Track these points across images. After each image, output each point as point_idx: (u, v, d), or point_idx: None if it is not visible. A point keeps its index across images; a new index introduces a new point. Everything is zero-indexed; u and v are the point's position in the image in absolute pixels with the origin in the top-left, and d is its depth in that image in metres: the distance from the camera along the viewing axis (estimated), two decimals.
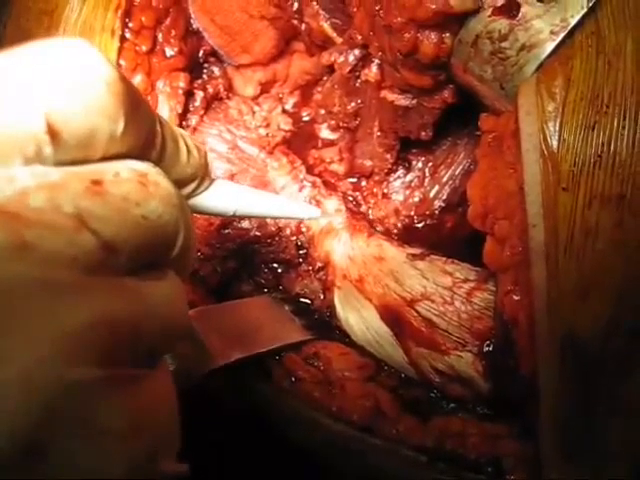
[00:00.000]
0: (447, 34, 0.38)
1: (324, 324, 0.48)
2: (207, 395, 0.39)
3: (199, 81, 0.54)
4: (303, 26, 0.53)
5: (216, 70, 0.55)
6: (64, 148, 0.19)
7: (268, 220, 0.50)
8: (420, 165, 0.53)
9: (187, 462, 0.22)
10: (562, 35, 0.33)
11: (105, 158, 0.21)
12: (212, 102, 0.55)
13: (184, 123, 0.53)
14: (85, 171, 0.20)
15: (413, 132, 0.48)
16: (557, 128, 0.33)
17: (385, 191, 0.53)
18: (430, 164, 0.52)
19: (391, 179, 0.53)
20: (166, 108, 0.50)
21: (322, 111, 0.54)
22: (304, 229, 0.50)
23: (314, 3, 0.50)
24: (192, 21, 0.53)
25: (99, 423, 0.18)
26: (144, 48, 0.48)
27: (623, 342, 0.32)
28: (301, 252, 0.50)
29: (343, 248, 0.49)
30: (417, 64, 0.40)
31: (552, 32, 0.34)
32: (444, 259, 0.45)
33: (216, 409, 0.41)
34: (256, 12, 0.53)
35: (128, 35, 0.47)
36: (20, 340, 0.16)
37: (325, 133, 0.54)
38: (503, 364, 0.39)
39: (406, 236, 0.51)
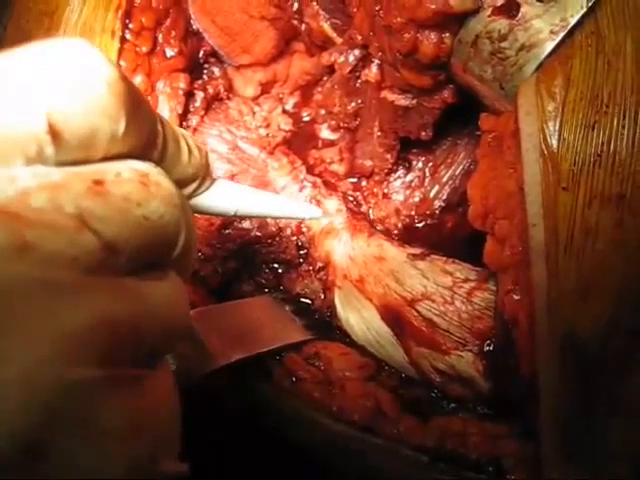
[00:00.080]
0: (447, 34, 0.38)
1: (325, 324, 0.48)
2: (207, 395, 0.39)
3: (199, 82, 0.54)
4: (303, 26, 0.53)
5: (216, 71, 0.55)
6: (65, 148, 0.19)
7: (269, 220, 0.50)
8: (420, 165, 0.53)
9: (187, 462, 0.22)
10: (562, 35, 0.33)
11: (106, 158, 0.21)
12: (212, 103, 0.55)
13: (184, 124, 0.53)
14: (86, 171, 0.20)
15: (413, 132, 0.48)
16: (557, 128, 0.33)
17: (385, 191, 0.53)
18: (430, 164, 0.52)
19: (391, 179, 0.53)
20: (166, 109, 0.50)
21: (322, 111, 0.54)
22: (304, 229, 0.50)
23: (314, 3, 0.50)
24: (192, 22, 0.53)
25: (99, 423, 0.18)
26: (144, 49, 0.48)
27: (623, 342, 0.32)
28: (302, 252, 0.50)
29: (344, 248, 0.49)
30: (417, 64, 0.40)
31: (552, 32, 0.34)
32: (444, 259, 0.45)
33: (216, 409, 0.41)
34: (256, 13, 0.53)
35: (128, 36, 0.47)
36: (20, 340, 0.16)
37: (325, 133, 0.55)
38: (503, 364, 0.39)
39: (406, 236, 0.51)
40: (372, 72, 0.46)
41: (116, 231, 0.19)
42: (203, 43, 0.54)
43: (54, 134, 0.19)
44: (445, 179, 0.52)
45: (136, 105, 0.21)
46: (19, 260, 0.17)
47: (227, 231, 0.50)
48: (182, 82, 0.51)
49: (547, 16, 0.34)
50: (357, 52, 0.47)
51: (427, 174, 0.52)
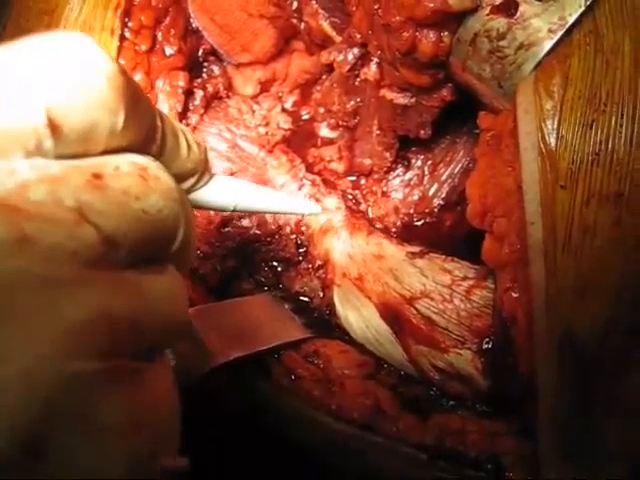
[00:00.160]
0: (445, 33, 0.38)
1: (324, 322, 0.48)
2: (207, 393, 0.39)
3: (199, 80, 0.54)
4: (302, 25, 0.53)
5: (216, 69, 0.55)
6: (65, 142, 0.19)
7: (268, 218, 0.50)
8: (419, 163, 0.53)
9: (187, 458, 0.21)
10: (560, 33, 0.33)
11: (106, 152, 0.21)
12: (212, 101, 0.55)
13: (184, 122, 0.53)
14: (86, 165, 0.20)
15: (412, 130, 0.48)
16: (555, 126, 0.33)
17: (384, 189, 0.53)
18: (429, 162, 0.53)
19: (390, 177, 0.53)
20: (166, 107, 0.50)
21: (321, 110, 0.54)
22: (304, 227, 0.50)
23: (313, 2, 0.50)
24: (191, 20, 0.53)
25: (99, 419, 0.18)
26: (144, 47, 0.48)
27: (621, 340, 0.32)
28: (301, 250, 0.50)
29: (343, 246, 0.49)
30: (416, 63, 0.40)
31: (550, 30, 0.34)
32: (443, 257, 0.45)
33: (216, 407, 0.41)
34: (255, 11, 0.53)
35: (127, 34, 0.47)
36: (20, 335, 0.16)
37: (324, 132, 0.55)
38: (502, 362, 0.39)
39: (405, 234, 0.51)
40: (371, 71, 0.46)
41: (115, 225, 0.19)
42: (202, 41, 0.54)
43: (53, 128, 0.19)
44: (444, 177, 0.52)
45: (135, 99, 0.21)
46: (18, 253, 0.17)
47: (226, 229, 0.50)
48: (181, 80, 0.51)
49: (546, 15, 0.34)
50: (356, 51, 0.47)
51: (426, 172, 0.53)
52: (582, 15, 0.33)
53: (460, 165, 0.52)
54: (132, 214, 0.20)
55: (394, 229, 0.52)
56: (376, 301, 0.45)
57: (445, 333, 0.42)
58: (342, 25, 0.49)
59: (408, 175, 0.53)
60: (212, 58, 0.56)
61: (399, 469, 0.38)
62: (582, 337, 0.32)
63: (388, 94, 0.46)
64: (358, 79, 0.49)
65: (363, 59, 0.47)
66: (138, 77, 0.48)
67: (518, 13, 0.35)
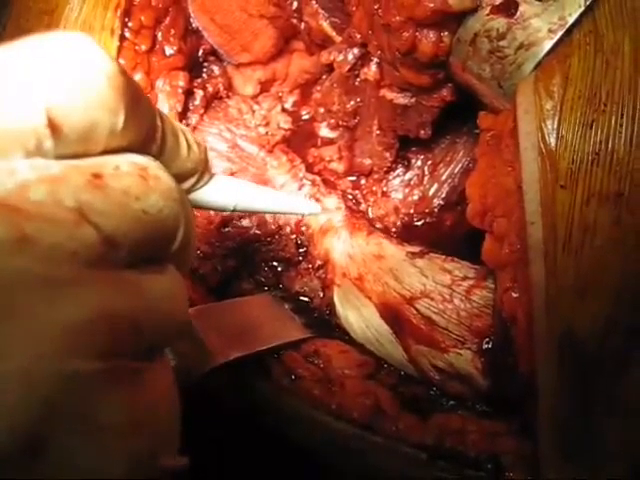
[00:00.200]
0: (445, 33, 0.38)
1: (324, 322, 0.48)
2: (207, 393, 0.39)
3: (199, 80, 0.54)
4: (302, 25, 0.53)
5: (216, 69, 0.55)
6: (65, 142, 0.19)
7: (268, 218, 0.50)
8: (419, 163, 0.53)
9: (187, 459, 0.21)
10: (560, 33, 0.33)
11: (106, 152, 0.21)
12: (212, 101, 0.55)
13: (184, 122, 0.53)
14: (85, 164, 0.20)
15: (412, 130, 0.48)
16: (555, 126, 0.33)
17: (384, 189, 0.53)
18: (429, 162, 0.53)
19: (390, 177, 0.53)
20: (166, 107, 0.50)
21: (321, 110, 0.54)
22: (304, 227, 0.50)
23: (313, 2, 0.50)
24: (191, 20, 0.53)
25: (99, 419, 0.18)
26: (143, 47, 0.48)
27: (621, 340, 0.32)
28: (301, 250, 0.50)
29: (343, 246, 0.49)
30: (416, 63, 0.40)
31: (550, 30, 0.34)
32: (443, 257, 0.45)
33: (216, 407, 0.41)
34: (255, 11, 0.53)
35: (127, 34, 0.47)
36: (20, 334, 0.16)
37: (324, 132, 0.55)
38: (502, 362, 0.39)
39: (405, 234, 0.51)
40: (371, 71, 0.46)
41: (115, 225, 0.19)
42: (202, 41, 0.54)
43: (53, 128, 0.19)
44: (444, 177, 0.52)
45: (135, 99, 0.21)
46: (19, 253, 0.17)
47: (226, 229, 0.50)
48: (181, 80, 0.51)
49: (545, 15, 0.34)
50: (356, 51, 0.47)
51: (426, 172, 0.53)
52: (582, 15, 0.33)
53: (460, 165, 0.52)
54: (132, 214, 0.20)
55: (394, 229, 0.52)
56: (376, 301, 0.45)
57: (445, 333, 0.42)
58: (342, 25, 0.49)
59: (408, 175, 0.53)
60: (212, 58, 0.56)
61: (399, 469, 0.38)
62: (582, 337, 0.32)
63: (388, 94, 0.46)
64: (358, 79, 0.49)
65: (363, 59, 0.47)
66: (138, 77, 0.48)
67: (518, 13, 0.35)
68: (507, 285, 0.37)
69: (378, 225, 0.52)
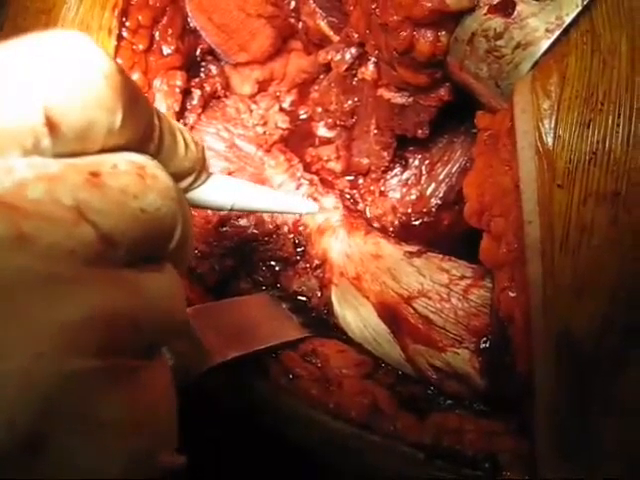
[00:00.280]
0: (443, 32, 0.38)
1: (321, 322, 0.48)
2: (205, 393, 0.39)
3: (196, 79, 0.54)
4: (300, 24, 0.53)
5: (213, 68, 0.55)
6: (62, 140, 0.19)
7: (266, 218, 0.50)
8: (417, 163, 0.53)
9: (184, 458, 0.21)
10: (557, 33, 0.34)
11: (103, 150, 0.21)
12: (209, 100, 0.55)
13: (181, 121, 0.53)
14: (83, 163, 0.20)
15: (410, 130, 0.48)
16: (552, 126, 0.33)
17: (382, 189, 0.53)
18: (427, 162, 0.53)
19: (388, 177, 0.53)
20: (163, 106, 0.50)
21: (319, 109, 0.54)
22: (301, 227, 0.50)
23: (311, 1, 0.50)
24: (189, 20, 0.53)
25: (98, 417, 0.18)
26: (141, 47, 0.48)
27: (617, 340, 0.32)
28: (299, 250, 0.50)
29: (340, 246, 0.49)
30: (413, 62, 0.41)
31: (547, 30, 0.34)
32: (441, 256, 0.45)
33: (213, 407, 0.41)
34: (253, 10, 0.53)
35: (125, 34, 0.47)
36: (19, 332, 0.16)
37: (322, 131, 0.55)
38: (499, 361, 0.39)
39: (403, 233, 0.51)
40: (369, 70, 0.46)
41: (113, 223, 0.19)
42: (200, 41, 0.54)
43: (51, 126, 0.19)
44: (441, 177, 0.52)
45: (133, 98, 0.21)
46: (17, 252, 0.17)
47: (224, 229, 0.50)
48: (179, 80, 0.51)
49: (543, 14, 0.34)
50: (354, 50, 0.47)
51: (424, 172, 0.53)
52: (579, 15, 0.33)
53: (458, 164, 0.52)
54: (130, 213, 0.20)
55: (392, 228, 0.52)
56: (374, 300, 0.46)
57: (442, 332, 0.42)
58: (340, 24, 0.49)
59: (406, 174, 0.53)
60: (210, 57, 0.56)
61: (397, 468, 0.38)
62: (579, 336, 0.32)
63: (386, 93, 0.46)
64: (355, 79, 0.49)
65: (360, 58, 0.47)
66: (136, 76, 0.48)
67: (515, 13, 0.35)
68: (504, 284, 0.37)
69: (376, 224, 0.52)
